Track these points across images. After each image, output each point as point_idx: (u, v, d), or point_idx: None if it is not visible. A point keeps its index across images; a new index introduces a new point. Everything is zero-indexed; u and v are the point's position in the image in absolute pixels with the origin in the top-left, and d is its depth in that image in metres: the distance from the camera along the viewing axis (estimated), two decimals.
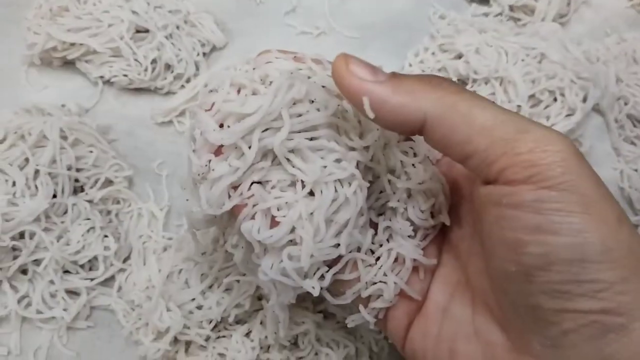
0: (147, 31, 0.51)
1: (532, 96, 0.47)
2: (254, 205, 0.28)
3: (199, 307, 0.39)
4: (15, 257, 0.41)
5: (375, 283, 0.30)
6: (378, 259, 0.30)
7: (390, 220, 0.31)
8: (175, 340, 0.39)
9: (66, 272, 0.42)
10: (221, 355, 0.39)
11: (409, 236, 0.31)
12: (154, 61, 0.50)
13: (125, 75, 0.49)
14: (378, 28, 0.56)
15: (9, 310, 0.40)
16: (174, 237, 0.44)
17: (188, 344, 0.39)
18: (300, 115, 0.28)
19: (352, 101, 0.26)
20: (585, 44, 0.55)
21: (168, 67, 0.51)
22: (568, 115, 0.47)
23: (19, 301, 0.40)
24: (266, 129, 0.27)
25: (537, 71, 0.48)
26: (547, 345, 0.24)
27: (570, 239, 0.23)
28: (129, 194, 0.46)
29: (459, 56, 0.51)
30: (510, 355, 0.26)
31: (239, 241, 0.31)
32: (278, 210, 0.28)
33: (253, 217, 0.28)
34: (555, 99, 0.48)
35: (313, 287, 0.28)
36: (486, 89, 0.48)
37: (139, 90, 0.51)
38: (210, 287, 0.39)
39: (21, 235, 0.41)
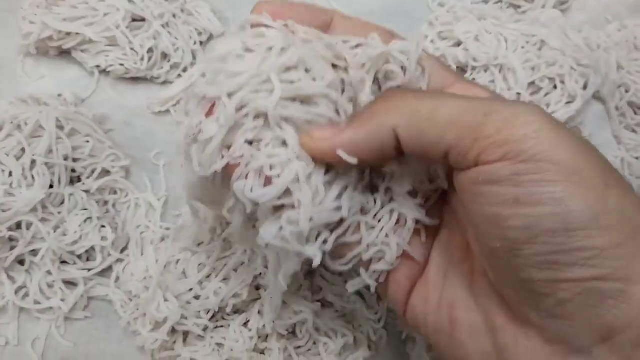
0: (143, 20, 0.50)
1: (532, 83, 0.47)
2: (246, 165, 0.27)
3: (197, 297, 0.39)
4: (12, 248, 0.40)
5: (377, 245, 0.30)
6: (379, 221, 0.30)
7: (390, 182, 0.30)
8: (173, 330, 0.39)
9: (63, 262, 0.42)
10: (219, 345, 0.39)
11: (410, 196, 0.30)
12: (150, 50, 0.49)
13: (121, 65, 0.49)
14: (377, 15, 0.56)
15: (7, 301, 0.40)
16: (172, 227, 0.44)
17: (186, 334, 0.39)
18: (292, 82, 0.27)
19: (335, 163, 0.27)
20: (586, 31, 0.55)
21: (165, 56, 0.50)
22: (568, 102, 0.47)
23: (16, 292, 0.40)
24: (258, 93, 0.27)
25: (537, 58, 0.47)
26: (545, 317, 0.24)
27: (551, 208, 0.22)
28: (126, 184, 0.46)
29: (458, 44, 0.51)
30: (511, 325, 0.26)
31: (236, 204, 0.30)
32: (271, 169, 0.27)
33: (247, 177, 0.27)
34: (555, 87, 0.47)
35: (315, 254, 0.28)
36: (485, 76, 0.48)
37: (135, 80, 0.51)
38: (208, 277, 0.39)
39: (18, 226, 0.40)
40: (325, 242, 0.28)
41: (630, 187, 0.24)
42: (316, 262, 0.28)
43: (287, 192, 0.27)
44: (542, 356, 0.25)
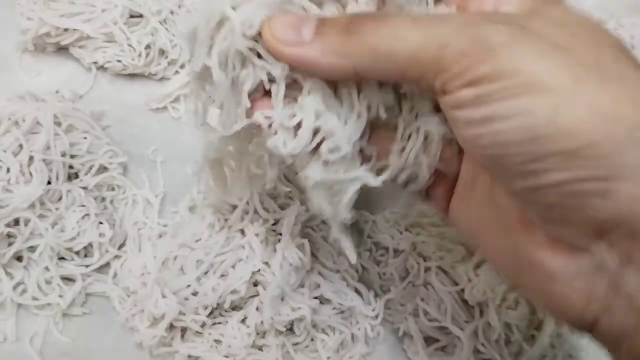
0: (140, 16, 0.50)
1: None
2: (270, 125, 0.28)
3: (195, 294, 0.39)
4: (10, 244, 0.40)
5: (409, 168, 0.30)
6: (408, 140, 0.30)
7: (412, 100, 0.30)
8: (171, 326, 0.39)
9: (61, 258, 0.42)
10: (217, 341, 0.39)
11: (434, 111, 0.30)
12: (147, 47, 0.49)
13: (119, 61, 0.49)
14: None
15: (5, 297, 0.40)
16: (169, 224, 0.44)
17: (184, 330, 0.39)
18: None
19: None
20: None
21: (162, 52, 0.50)
22: None
23: (14, 288, 0.40)
24: None
25: None
26: (541, 222, 0.25)
27: (515, 121, 0.23)
28: (124, 180, 0.46)
29: None
30: (526, 233, 0.27)
31: (271, 158, 0.32)
32: (293, 118, 0.28)
33: (276, 133, 0.28)
34: None
35: (365, 175, 0.28)
36: None
37: (133, 76, 0.51)
38: (206, 273, 0.39)
39: (16, 222, 0.40)
40: (369, 159, 0.29)
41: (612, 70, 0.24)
42: (374, 182, 0.28)
43: (316, 130, 0.28)
44: (549, 253, 0.25)
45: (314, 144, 0.28)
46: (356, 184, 0.29)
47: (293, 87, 0.28)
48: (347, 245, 0.31)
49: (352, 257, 0.31)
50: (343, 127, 0.28)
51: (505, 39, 0.24)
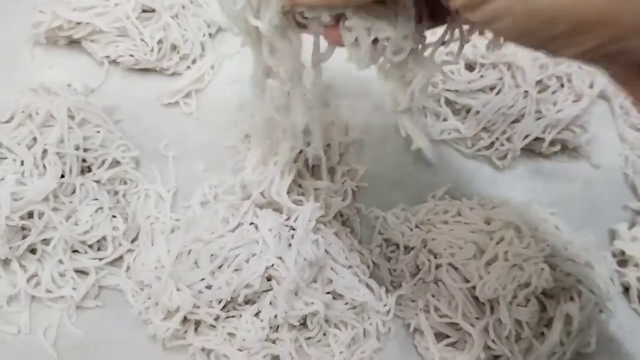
0: (153, 11, 0.50)
1: (539, 81, 0.48)
2: None
3: (209, 287, 0.39)
4: (24, 237, 0.41)
5: None
6: None
7: None
8: (185, 319, 0.39)
9: (75, 251, 0.42)
10: (231, 334, 0.39)
11: None
12: (160, 41, 0.49)
13: (131, 56, 0.49)
14: None
15: (19, 289, 0.40)
16: (182, 218, 0.44)
17: (197, 323, 0.40)
18: None
19: None
20: None
21: (174, 47, 0.51)
22: (575, 101, 0.48)
23: (28, 280, 0.40)
24: None
25: (545, 57, 0.48)
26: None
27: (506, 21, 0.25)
28: (136, 174, 0.46)
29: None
30: None
31: None
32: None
33: None
34: (562, 85, 0.48)
35: None
36: (494, 73, 0.48)
37: (144, 71, 0.51)
38: (220, 267, 0.40)
39: (30, 215, 0.41)
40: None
41: None
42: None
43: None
44: None
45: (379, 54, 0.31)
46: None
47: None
48: (418, 135, 0.35)
49: (423, 144, 0.35)
50: (396, 30, 0.30)
51: None
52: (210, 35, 0.53)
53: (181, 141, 0.49)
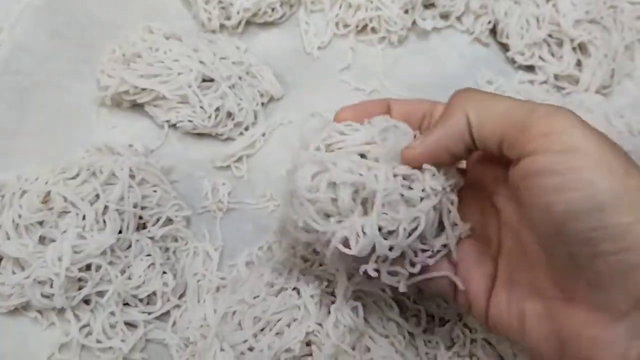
0: (212, 80, 0.54)
1: None
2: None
3: (251, 349, 0.40)
4: (80, 288, 0.43)
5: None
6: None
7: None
8: None
9: (125, 304, 0.44)
10: None
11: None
12: (217, 109, 0.53)
13: (190, 121, 0.52)
14: (428, 89, 0.59)
15: (71, 337, 0.42)
16: (227, 277, 0.47)
17: None
18: None
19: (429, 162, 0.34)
20: (627, 115, 0.57)
21: (229, 114, 0.54)
22: None
23: (80, 329, 0.43)
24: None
25: None
26: (587, 288, 0.28)
27: (585, 191, 0.26)
28: (187, 232, 0.48)
29: None
30: (567, 309, 0.29)
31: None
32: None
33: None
34: None
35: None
36: None
37: (200, 135, 0.54)
38: (262, 330, 0.41)
39: (87, 267, 0.43)
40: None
41: None
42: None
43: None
44: (590, 324, 0.28)
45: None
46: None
47: None
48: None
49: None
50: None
51: (577, 119, 0.29)
52: (262, 104, 0.56)
53: (231, 203, 0.51)
